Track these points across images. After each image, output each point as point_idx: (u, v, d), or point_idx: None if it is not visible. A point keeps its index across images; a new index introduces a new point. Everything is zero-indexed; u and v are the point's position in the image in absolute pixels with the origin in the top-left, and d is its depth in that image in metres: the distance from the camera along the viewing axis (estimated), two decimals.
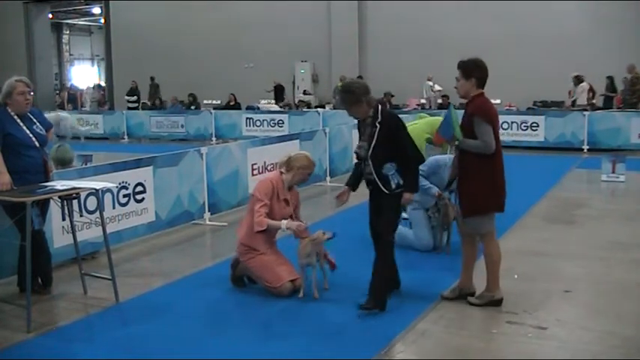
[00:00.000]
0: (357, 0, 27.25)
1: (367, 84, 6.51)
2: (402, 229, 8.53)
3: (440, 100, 23.81)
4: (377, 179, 6.22)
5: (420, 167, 8.43)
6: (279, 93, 27.74)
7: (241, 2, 28.52)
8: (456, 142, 6.10)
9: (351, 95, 6.23)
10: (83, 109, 31.02)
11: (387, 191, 6.20)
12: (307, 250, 6.59)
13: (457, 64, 6.17)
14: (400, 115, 6.74)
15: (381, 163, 6.17)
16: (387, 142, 6.15)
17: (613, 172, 13.27)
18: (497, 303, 6.29)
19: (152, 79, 28.90)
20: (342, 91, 6.40)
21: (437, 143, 7.42)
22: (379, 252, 6.36)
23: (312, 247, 6.59)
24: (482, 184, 6.09)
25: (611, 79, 22.23)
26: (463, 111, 6.20)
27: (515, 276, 7.24)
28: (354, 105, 6.26)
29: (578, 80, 21.38)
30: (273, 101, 27.15)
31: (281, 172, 6.88)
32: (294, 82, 28.56)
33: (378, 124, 6.19)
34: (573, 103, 21.42)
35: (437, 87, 24.77)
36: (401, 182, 6.16)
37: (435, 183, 8.20)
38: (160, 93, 28.79)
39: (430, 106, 24.05)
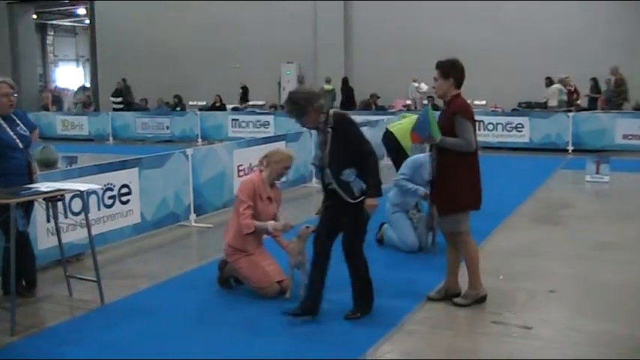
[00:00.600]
0: (342, 1, 27.26)
1: (314, 91, 6.39)
2: (387, 230, 8.55)
3: (425, 101, 23.85)
4: (338, 188, 5.84)
5: (402, 170, 8.48)
6: (244, 94, 27.87)
7: (227, 3, 28.46)
8: (437, 140, 6.07)
9: (296, 106, 5.97)
10: (68, 110, 30.87)
11: (350, 200, 5.81)
12: (299, 248, 6.59)
13: (435, 64, 6.23)
14: (387, 116, 6.76)
15: (339, 170, 5.80)
16: (343, 146, 5.82)
17: (597, 172, 13.35)
18: (482, 300, 6.35)
19: (124, 80, 28.72)
20: (287, 102, 6.11)
21: (414, 142, 7.43)
22: (352, 270, 6.13)
23: (301, 244, 6.58)
24: (461, 182, 6.14)
25: (595, 80, 22.40)
26: (439, 112, 6.29)
27: (501, 276, 7.27)
28: (302, 116, 5.98)
29: (549, 82, 21.64)
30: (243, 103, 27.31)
31: (260, 170, 6.91)
32: (279, 84, 28.55)
33: (330, 129, 5.91)
34: (545, 104, 21.66)
35: (423, 87, 24.82)
36: (364, 187, 5.78)
37: (417, 182, 8.22)
38: (132, 95, 28.70)
39: (416, 107, 24.09)
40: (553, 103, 21.01)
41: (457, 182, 6.12)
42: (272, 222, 6.72)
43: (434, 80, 6.26)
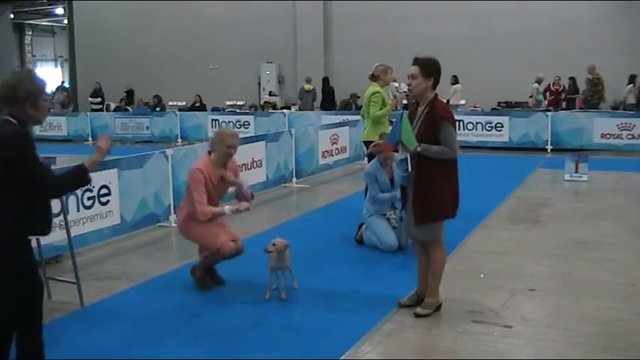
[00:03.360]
0: (322, 1, 27.27)
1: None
2: (365, 231, 8.57)
3: (405, 101, 23.89)
4: None
5: (369, 186, 8.52)
6: (130, 97, 28.07)
7: (206, 3, 28.41)
8: (411, 149, 5.79)
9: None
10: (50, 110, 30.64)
11: None
12: (280, 260, 6.60)
13: (414, 60, 5.92)
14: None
15: None
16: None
17: (576, 171, 13.44)
18: (439, 307, 6.21)
19: (98, 83, 28.73)
20: None
21: (387, 152, 6.93)
22: None
23: (279, 256, 6.57)
24: (443, 191, 5.94)
25: (573, 80, 22.62)
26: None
27: (481, 275, 7.30)
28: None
29: (455, 80, 22.03)
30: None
31: (209, 152, 6.96)
32: (259, 84, 28.52)
33: None
34: (447, 103, 22.02)
35: (403, 87, 24.86)
36: None
37: (382, 186, 8.36)
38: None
39: (396, 107, 24.14)
40: (456, 101, 22.05)
41: (439, 191, 5.91)
42: (227, 205, 6.89)
43: (410, 77, 5.92)
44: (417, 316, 6.09)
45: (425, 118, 5.90)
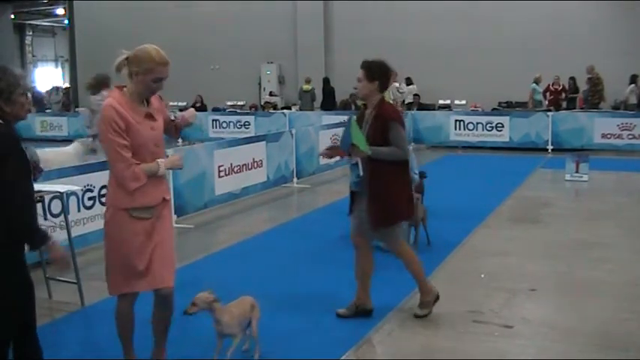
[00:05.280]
0: (322, 1, 27.27)
1: None
2: None
3: (410, 99, 23.87)
4: None
5: None
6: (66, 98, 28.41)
7: (207, 3, 28.39)
8: (369, 153, 5.66)
9: None
10: (47, 110, 30.64)
11: None
12: (219, 324, 5.09)
13: (361, 64, 5.89)
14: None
15: None
16: None
17: (577, 171, 13.45)
18: (437, 299, 6.14)
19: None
20: None
21: (340, 157, 6.60)
22: None
23: (217, 321, 5.06)
24: (398, 193, 5.85)
25: (573, 79, 22.63)
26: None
27: (482, 275, 7.30)
28: None
29: (409, 81, 22.36)
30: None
31: (121, 87, 4.66)
32: (260, 84, 28.51)
33: None
34: (403, 103, 22.40)
35: (404, 87, 24.89)
36: None
37: None
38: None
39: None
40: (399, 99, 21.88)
41: (394, 193, 5.80)
42: (160, 160, 4.63)
43: (357, 80, 5.88)
44: (417, 317, 6.08)
45: (373, 121, 5.82)
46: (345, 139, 5.74)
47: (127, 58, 4.59)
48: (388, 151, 5.73)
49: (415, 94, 23.80)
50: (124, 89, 4.58)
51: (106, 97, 4.53)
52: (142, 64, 4.56)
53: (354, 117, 5.86)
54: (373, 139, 5.71)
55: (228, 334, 5.05)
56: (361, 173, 5.78)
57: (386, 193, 5.77)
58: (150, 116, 4.60)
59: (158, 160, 4.59)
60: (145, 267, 4.68)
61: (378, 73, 5.84)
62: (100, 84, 11.13)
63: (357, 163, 5.80)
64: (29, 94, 4.22)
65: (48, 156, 12.14)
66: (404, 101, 22.45)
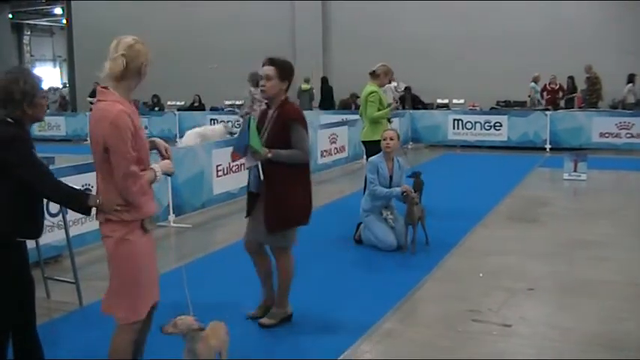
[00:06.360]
0: (320, 1, 27.25)
1: None
2: (364, 230, 8.58)
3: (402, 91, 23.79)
4: None
5: (369, 177, 8.49)
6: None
7: (205, 2, 28.38)
8: (269, 155, 5.48)
9: None
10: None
11: None
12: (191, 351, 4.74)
13: (269, 61, 5.65)
14: None
15: None
16: None
17: (575, 170, 13.45)
18: (289, 318, 5.99)
19: (96, 83, 28.64)
20: None
21: (234, 160, 6.32)
22: None
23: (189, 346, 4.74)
24: (297, 197, 5.67)
25: (572, 78, 22.65)
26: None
27: (480, 274, 7.30)
28: None
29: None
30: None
31: (107, 88, 4.27)
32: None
33: None
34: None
35: (402, 86, 24.88)
36: None
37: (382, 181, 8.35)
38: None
39: (397, 108, 24.13)
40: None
41: (293, 197, 5.64)
42: (156, 164, 4.48)
43: (265, 78, 5.61)
44: (262, 326, 5.90)
45: (274, 122, 5.67)
46: (242, 141, 5.56)
47: (123, 56, 4.26)
48: (289, 154, 5.57)
49: (406, 87, 23.59)
50: (110, 89, 4.22)
51: (103, 101, 4.18)
52: (144, 54, 4.35)
53: (254, 118, 5.69)
54: (275, 141, 5.56)
55: None
56: (261, 177, 5.58)
57: (284, 197, 5.59)
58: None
59: (152, 165, 4.38)
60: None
61: (288, 72, 5.67)
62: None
63: (256, 165, 5.60)
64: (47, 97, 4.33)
65: (207, 132, 15.61)
66: (401, 97, 22.40)
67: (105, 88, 4.23)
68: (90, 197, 4.19)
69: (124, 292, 4.36)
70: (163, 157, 4.63)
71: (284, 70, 5.64)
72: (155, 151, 4.62)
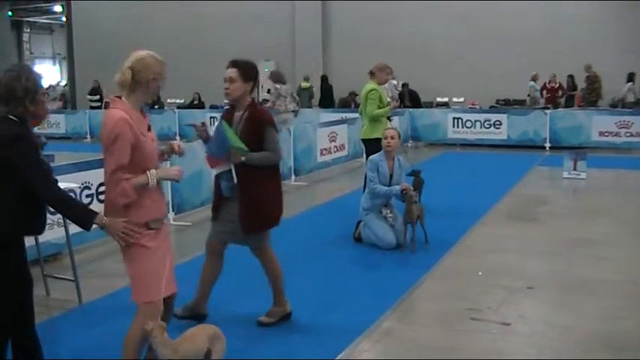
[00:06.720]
0: (320, 0, 27.24)
1: None
2: (363, 228, 8.58)
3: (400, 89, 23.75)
4: None
5: (369, 175, 8.49)
6: None
7: (205, 2, 28.37)
8: (242, 159, 5.46)
9: None
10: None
11: None
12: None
13: (232, 63, 5.65)
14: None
15: None
16: None
17: (574, 169, 13.45)
18: (287, 317, 6.00)
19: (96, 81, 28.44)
20: None
21: (212, 167, 6.04)
22: None
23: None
24: (269, 198, 5.69)
25: (571, 77, 22.67)
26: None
27: (480, 273, 7.30)
28: None
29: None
30: None
31: (120, 97, 4.35)
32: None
33: None
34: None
35: (400, 83, 24.87)
36: None
37: (382, 179, 8.35)
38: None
39: (397, 106, 24.10)
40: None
41: (266, 198, 5.65)
42: (153, 171, 4.32)
43: (228, 81, 5.60)
44: (261, 324, 5.90)
45: (245, 124, 5.62)
46: (221, 145, 5.51)
47: (130, 68, 4.34)
48: (262, 157, 5.57)
49: (404, 84, 23.52)
50: (125, 99, 4.30)
51: (112, 109, 4.26)
52: (153, 68, 4.41)
53: (224, 121, 5.66)
54: (247, 142, 5.50)
55: None
56: (235, 180, 5.56)
57: (258, 199, 5.60)
58: (149, 128, 4.40)
59: (148, 171, 4.28)
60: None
61: (252, 73, 5.65)
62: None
63: (230, 170, 5.58)
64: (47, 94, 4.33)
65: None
66: (400, 96, 22.37)
67: (118, 97, 4.33)
68: (97, 217, 4.19)
69: (138, 276, 4.44)
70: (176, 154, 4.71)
71: (247, 72, 5.61)
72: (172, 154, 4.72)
